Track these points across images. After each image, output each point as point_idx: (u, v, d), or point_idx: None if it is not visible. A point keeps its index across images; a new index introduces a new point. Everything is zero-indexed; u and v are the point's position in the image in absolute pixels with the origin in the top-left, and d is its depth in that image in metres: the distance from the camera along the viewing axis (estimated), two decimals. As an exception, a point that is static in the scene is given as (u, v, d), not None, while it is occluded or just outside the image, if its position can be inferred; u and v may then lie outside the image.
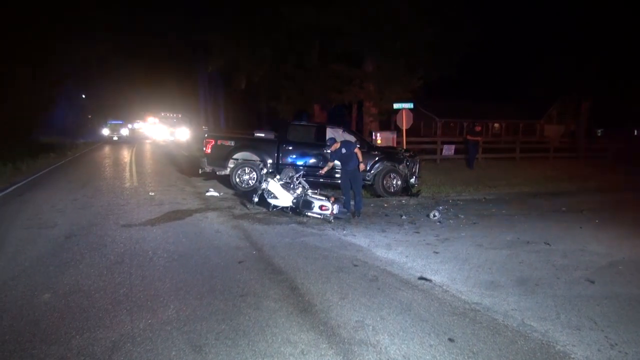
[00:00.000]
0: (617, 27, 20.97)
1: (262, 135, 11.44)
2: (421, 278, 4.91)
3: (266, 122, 29.56)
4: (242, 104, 33.23)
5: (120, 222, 7.17)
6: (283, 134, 11.04)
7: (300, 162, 10.77)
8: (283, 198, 8.12)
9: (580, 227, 7.69)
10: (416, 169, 11.16)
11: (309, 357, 3.18)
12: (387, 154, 11.33)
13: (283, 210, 8.28)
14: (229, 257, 5.46)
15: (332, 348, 3.30)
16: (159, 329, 3.51)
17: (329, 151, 8.91)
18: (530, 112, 37.79)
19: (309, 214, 7.84)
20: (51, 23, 25.17)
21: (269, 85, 24.00)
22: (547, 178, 14.43)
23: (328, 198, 7.86)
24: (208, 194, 10.13)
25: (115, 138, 37.54)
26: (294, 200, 8.06)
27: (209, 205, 8.82)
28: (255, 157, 10.72)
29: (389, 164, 10.97)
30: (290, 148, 10.83)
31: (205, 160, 10.79)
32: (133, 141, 35.46)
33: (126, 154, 22.05)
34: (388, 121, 23.29)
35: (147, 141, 36.50)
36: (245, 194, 9.85)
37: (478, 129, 18.26)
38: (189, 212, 8.09)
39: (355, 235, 6.82)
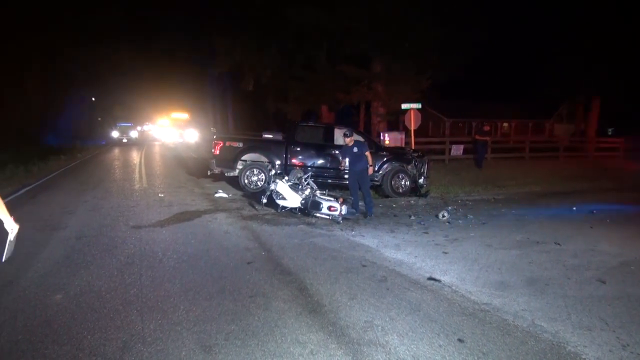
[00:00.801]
0: (625, 27, 20.73)
1: (270, 136, 11.47)
2: (430, 278, 4.89)
3: (274, 123, 29.57)
4: (250, 105, 33.32)
5: (130, 224, 7.23)
6: (291, 135, 11.04)
7: (308, 163, 10.79)
8: (291, 199, 8.13)
9: (591, 227, 7.62)
10: (425, 169, 11.10)
11: (318, 357, 3.19)
12: (396, 154, 11.29)
13: (291, 211, 8.29)
14: (238, 258, 5.48)
15: (341, 348, 3.30)
16: (169, 329, 3.54)
17: (346, 141, 8.67)
18: (540, 111, 37.52)
19: (318, 214, 7.86)
20: (62, 28, 25.51)
21: (277, 86, 24.05)
22: (556, 177, 14.30)
23: (336, 199, 7.87)
24: (217, 195, 10.18)
25: (124, 140, 37.75)
26: (303, 201, 8.08)
27: (217, 207, 8.86)
28: (263, 158, 10.73)
29: (397, 164, 10.94)
30: (299, 149, 10.84)
31: (213, 161, 10.83)
32: (142, 143, 35.69)
33: (135, 156, 22.20)
34: (396, 121, 23.26)
35: (156, 143, 36.72)
36: (253, 195, 9.89)
37: (487, 128, 18.13)
38: (198, 214, 8.13)
39: (364, 236, 6.81)
